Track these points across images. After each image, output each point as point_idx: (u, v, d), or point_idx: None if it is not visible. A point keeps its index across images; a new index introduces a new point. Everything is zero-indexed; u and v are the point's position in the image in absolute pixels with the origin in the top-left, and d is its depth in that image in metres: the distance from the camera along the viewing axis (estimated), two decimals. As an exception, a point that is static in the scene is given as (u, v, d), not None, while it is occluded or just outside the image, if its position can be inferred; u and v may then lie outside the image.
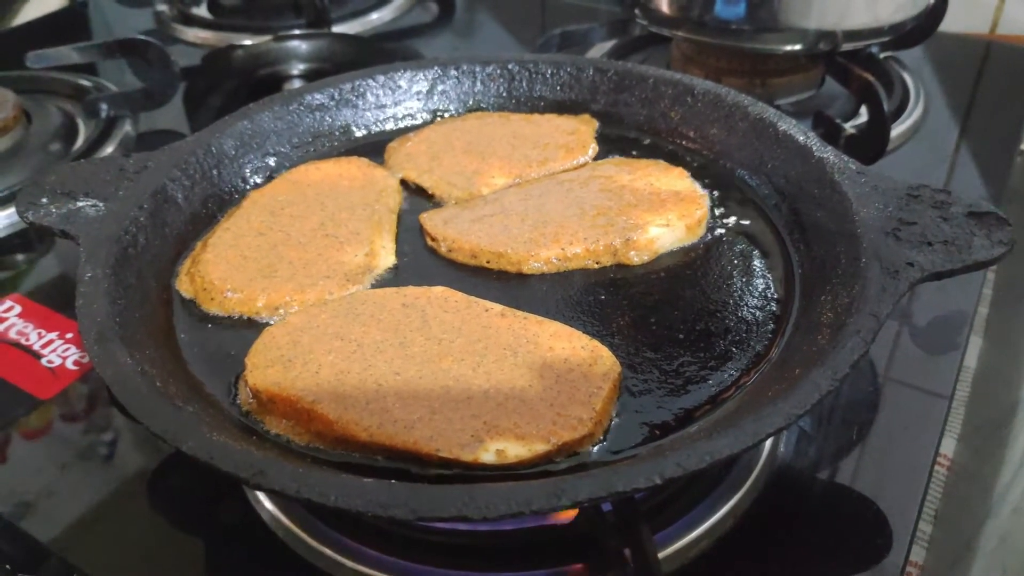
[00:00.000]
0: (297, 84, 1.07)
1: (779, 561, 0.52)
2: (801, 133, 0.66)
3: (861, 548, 0.52)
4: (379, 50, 1.13)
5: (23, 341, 0.70)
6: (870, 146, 0.82)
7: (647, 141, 0.77)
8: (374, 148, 0.78)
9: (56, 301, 0.74)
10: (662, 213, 0.65)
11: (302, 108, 0.77)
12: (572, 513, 0.51)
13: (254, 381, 0.51)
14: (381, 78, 0.80)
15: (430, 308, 0.57)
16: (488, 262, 0.63)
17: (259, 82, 1.09)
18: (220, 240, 0.64)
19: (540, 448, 0.47)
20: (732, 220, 0.67)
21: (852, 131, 0.85)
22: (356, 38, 1.15)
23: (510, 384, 0.50)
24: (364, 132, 0.80)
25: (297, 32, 1.13)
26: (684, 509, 0.53)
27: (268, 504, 0.54)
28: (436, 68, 0.82)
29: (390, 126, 0.81)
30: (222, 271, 0.61)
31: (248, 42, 1.12)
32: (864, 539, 0.53)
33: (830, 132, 0.85)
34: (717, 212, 0.68)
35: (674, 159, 0.73)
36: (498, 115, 0.80)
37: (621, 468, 0.41)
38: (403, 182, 0.73)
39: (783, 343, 0.55)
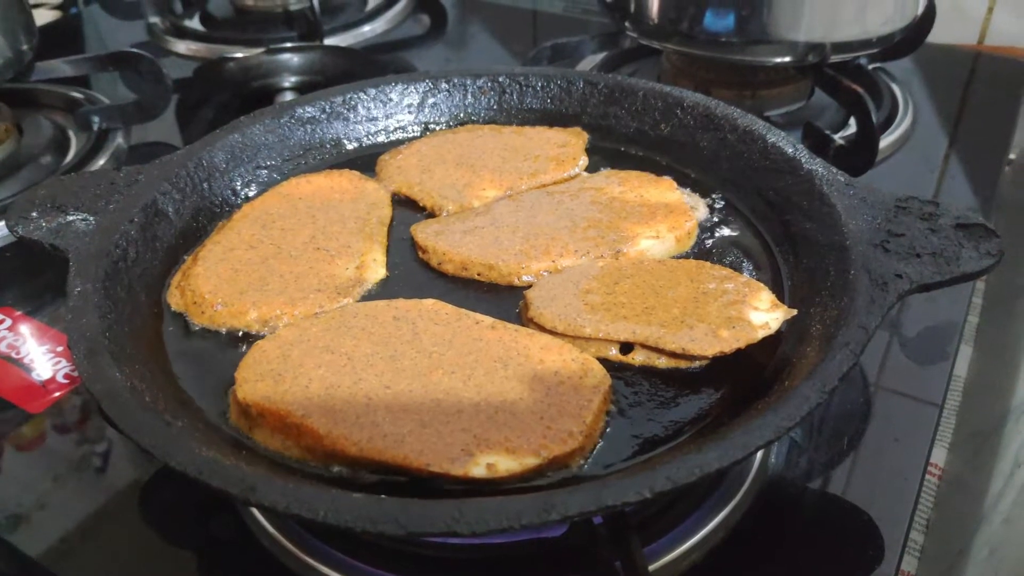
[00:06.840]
0: (289, 97, 1.07)
1: (771, 572, 0.52)
2: (790, 145, 0.67)
3: (853, 558, 0.52)
4: (371, 63, 1.13)
5: (13, 355, 0.69)
6: (859, 157, 0.83)
7: (637, 153, 0.78)
8: (365, 161, 0.78)
9: (47, 315, 0.74)
10: (652, 225, 0.65)
11: (293, 121, 0.77)
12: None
13: (244, 395, 0.51)
14: (372, 91, 0.80)
15: (421, 321, 0.57)
16: (479, 274, 0.64)
17: (251, 95, 1.09)
18: (211, 254, 0.64)
19: (530, 462, 0.47)
20: (721, 232, 0.68)
21: (841, 142, 0.85)
22: (348, 51, 1.16)
23: (500, 397, 0.50)
24: (355, 145, 0.80)
25: (289, 44, 1.12)
26: (675, 521, 0.53)
27: (260, 518, 0.54)
28: (427, 81, 0.82)
29: (381, 139, 0.81)
30: (213, 285, 0.61)
31: (240, 55, 1.11)
32: (856, 549, 0.53)
33: (819, 143, 0.85)
34: (706, 224, 0.68)
35: (664, 171, 0.74)
36: (489, 128, 0.80)
37: (611, 482, 0.41)
38: (394, 195, 0.73)
39: (773, 355, 0.56)
